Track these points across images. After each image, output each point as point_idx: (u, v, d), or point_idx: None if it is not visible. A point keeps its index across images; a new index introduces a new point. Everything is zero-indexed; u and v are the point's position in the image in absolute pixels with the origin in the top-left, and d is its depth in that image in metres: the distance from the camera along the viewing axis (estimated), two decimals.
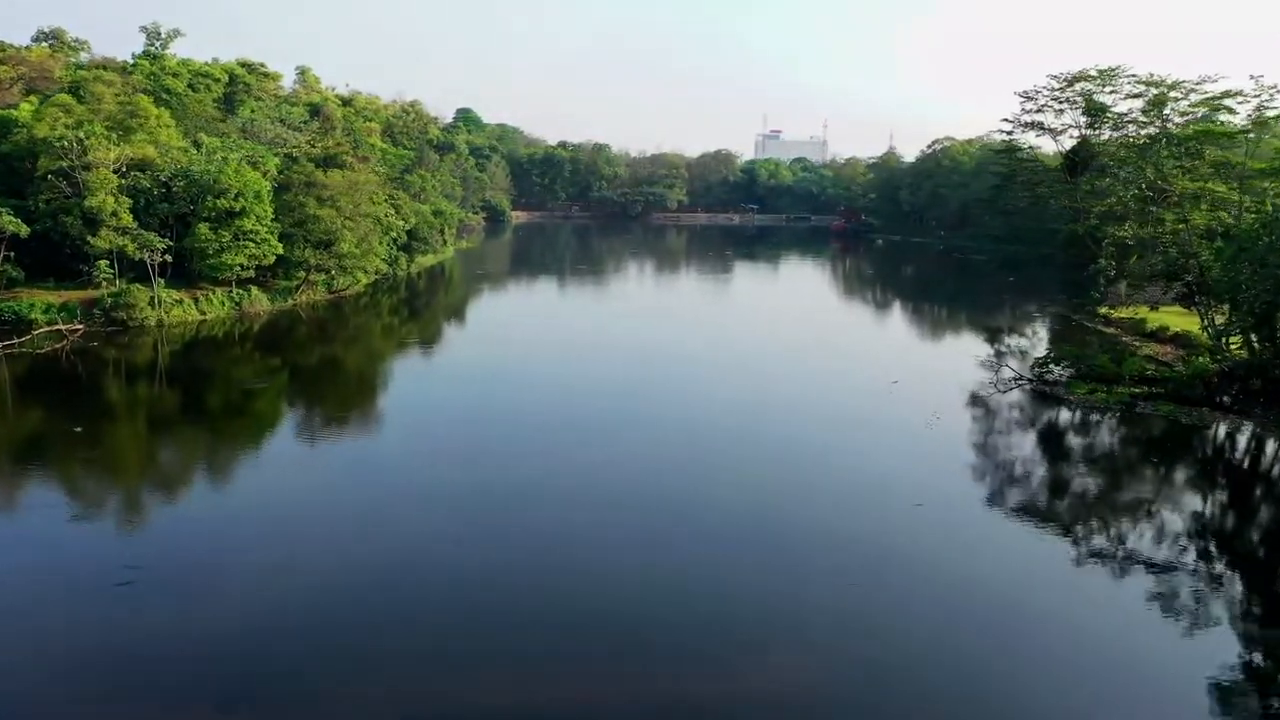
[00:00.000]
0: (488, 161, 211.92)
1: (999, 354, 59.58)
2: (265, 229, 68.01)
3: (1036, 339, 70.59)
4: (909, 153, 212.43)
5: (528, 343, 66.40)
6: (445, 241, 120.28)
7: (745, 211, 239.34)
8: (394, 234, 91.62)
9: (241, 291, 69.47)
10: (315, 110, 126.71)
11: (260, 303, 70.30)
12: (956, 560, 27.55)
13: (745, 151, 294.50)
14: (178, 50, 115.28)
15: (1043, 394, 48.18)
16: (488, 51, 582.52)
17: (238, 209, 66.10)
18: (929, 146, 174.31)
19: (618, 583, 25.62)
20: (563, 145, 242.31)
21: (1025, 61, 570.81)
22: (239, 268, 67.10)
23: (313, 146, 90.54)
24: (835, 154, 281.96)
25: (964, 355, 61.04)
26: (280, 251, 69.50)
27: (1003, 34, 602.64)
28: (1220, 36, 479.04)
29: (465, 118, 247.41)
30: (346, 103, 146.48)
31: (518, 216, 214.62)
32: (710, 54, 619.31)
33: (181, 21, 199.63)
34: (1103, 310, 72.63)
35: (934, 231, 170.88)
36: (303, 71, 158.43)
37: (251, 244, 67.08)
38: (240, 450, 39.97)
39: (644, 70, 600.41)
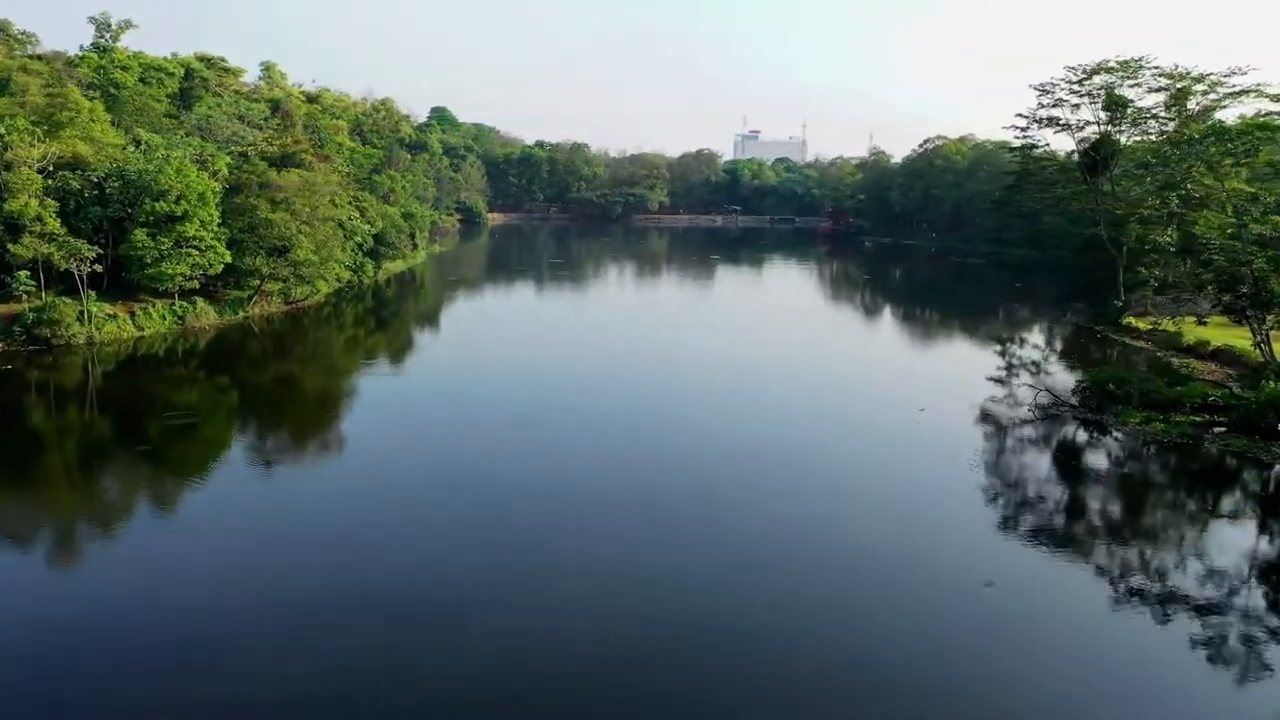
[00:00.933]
0: (463, 161, 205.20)
1: (1027, 373, 53.77)
2: (211, 235, 61.29)
3: (1062, 354, 64.75)
4: (891, 153, 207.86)
5: (503, 359, 60.36)
6: (416, 246, 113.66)
7: (728, 213, 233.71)
8: (358, 239, 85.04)
9: (185, 304, 62.67)
10: (278, 106, 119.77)
11: (206, 316, 63.54)
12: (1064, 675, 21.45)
13: (724, 152, 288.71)
14: (137, 44, 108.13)
15: (1088, 422, 42.37)
16: (464, 50, 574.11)
17: (179, 213, 59.37)
18: (921, 146, 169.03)
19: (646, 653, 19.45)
20: (540, 145, 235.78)
21: (1009, 62, 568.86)
22: (181, 278, 60.32)
23: (270, 144, 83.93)
24: (818, 154, 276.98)
25: (987, 373, 55.19)
26: (228, 260, 62.78)
27: (987, 34, 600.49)
28: (1217, 37, 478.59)
29: (440, 117, 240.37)
30: (313, 100, 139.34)
31: (494, 218, 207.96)
32: (690, 52, 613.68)
33: (148, 16, 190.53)
34: (1128, 321, 67.04)
35: (925, 234, 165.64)
36: (268, 67, 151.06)
37: (195, 251, 60.35)
38: (172, 489, 33.88)
39: (623, 70, 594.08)
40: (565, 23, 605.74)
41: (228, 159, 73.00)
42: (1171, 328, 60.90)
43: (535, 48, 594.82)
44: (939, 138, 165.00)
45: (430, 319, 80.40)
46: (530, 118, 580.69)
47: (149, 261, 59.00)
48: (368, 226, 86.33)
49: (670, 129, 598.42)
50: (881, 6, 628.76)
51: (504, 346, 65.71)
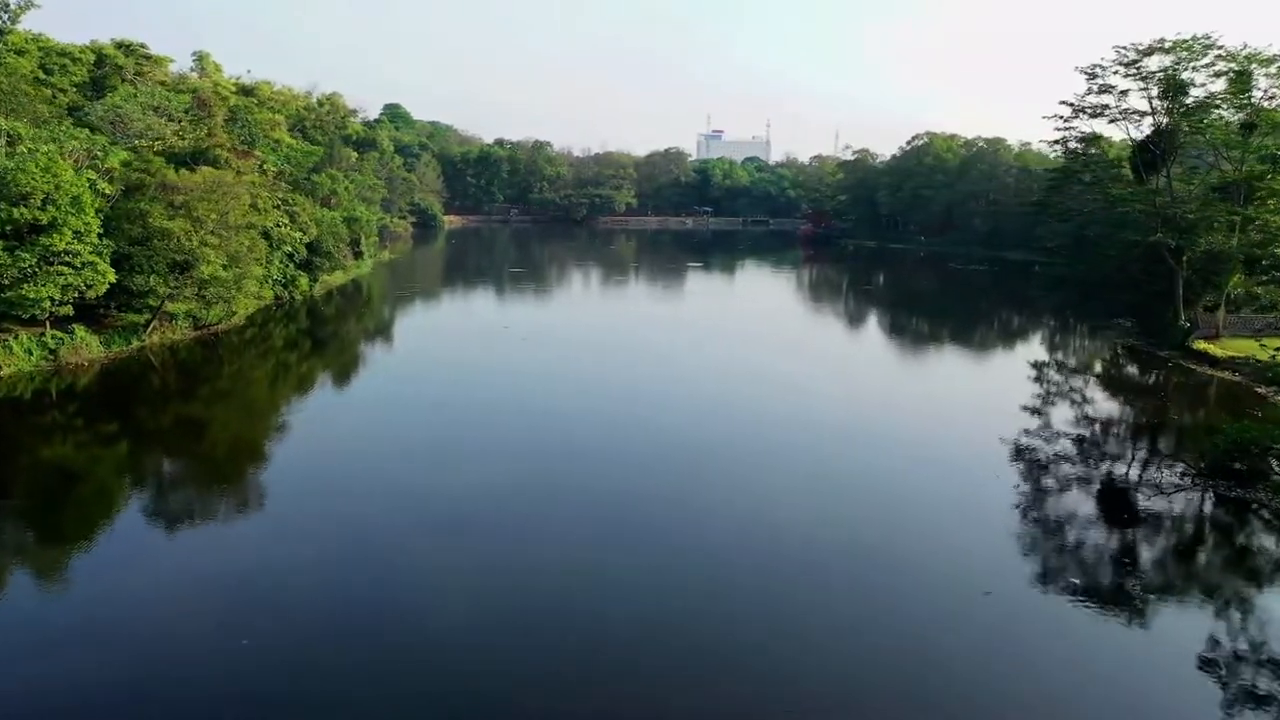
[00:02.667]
0: (416, 161, 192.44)
1: (1093, 418, 43.16)
2: (89, 249, 48.98)
3: (1131, 390, 53.99)
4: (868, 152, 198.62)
5: (457, 387, 49.92)
6: (362, 254, 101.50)
7: (699, 215, 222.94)
8: (288, 248, 72.89)
9: (60, 334, 50.26)
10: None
11: (89, 348, 51.08)
12: None
13: (689, 153, 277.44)
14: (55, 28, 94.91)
15: (1231, 500, 31.83)
16: (419, 47, 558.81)
17: (45, 221, 47.06)
18: (908, 143, 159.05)
19: None
20: (499, 143, 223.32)
21: (986, 61, 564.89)
22: (50, 302, 48.01)
23: (181, 138, 71.57)
24: (788, 152, 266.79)
25: (1062, 422, 44.52)
26: (113, 279, 50.45)
27: (961, 34, 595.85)
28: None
29: (393, 113, 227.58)
30: (248, 92, 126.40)
31: (451, 221, 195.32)
32: (654, 48, 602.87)
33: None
34: (1200, 345, 56.78)
35: (913, 237, 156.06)
36: (200, 57, 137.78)
37: (68, 269, 48.02)
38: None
39: (586, 70, 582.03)
40: (525, 20, 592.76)
41: (125, 154, 60.50)
42: (1263, 355, 50.64)
43: (494, 46, 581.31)
44: (928, 134, 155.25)
45: (373, 340, 68.53)
46: (489, 118, 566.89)
47: (8, 282, 46.68)
48: (299, 234, 74.15)
49: (634, 129, 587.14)
50: (847, 5, 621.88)
51: (455, 373, 54.58)
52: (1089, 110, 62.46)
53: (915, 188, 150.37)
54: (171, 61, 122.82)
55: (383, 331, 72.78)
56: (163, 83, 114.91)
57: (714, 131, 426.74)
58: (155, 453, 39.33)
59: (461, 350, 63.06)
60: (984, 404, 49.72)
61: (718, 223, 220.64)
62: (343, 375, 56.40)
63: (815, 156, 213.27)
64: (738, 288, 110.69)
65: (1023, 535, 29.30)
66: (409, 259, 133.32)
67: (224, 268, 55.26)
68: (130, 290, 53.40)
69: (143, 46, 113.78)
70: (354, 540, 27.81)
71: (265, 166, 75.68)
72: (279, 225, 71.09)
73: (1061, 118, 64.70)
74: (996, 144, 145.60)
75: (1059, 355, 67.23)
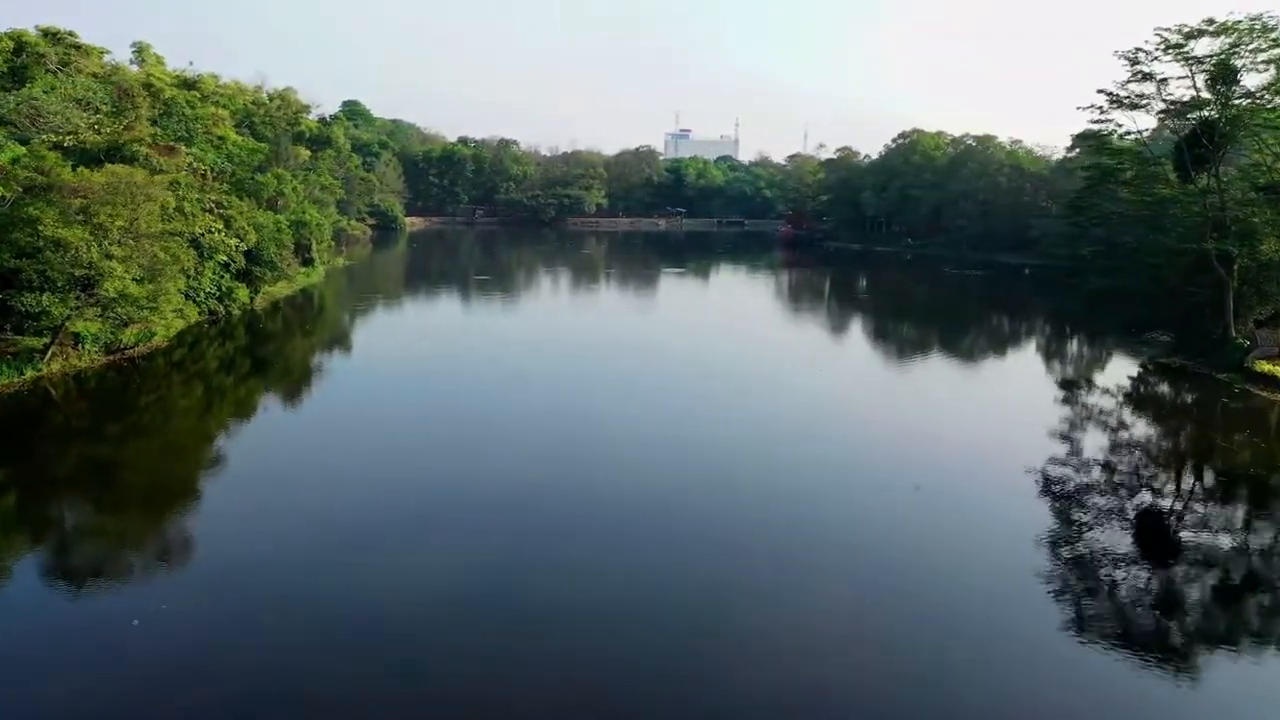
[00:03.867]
0: (376, 160, 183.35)
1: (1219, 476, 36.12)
2: None
3: (1195, 423, 46.88)
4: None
5: (412, 414, 42.71)
6: (313, 260, 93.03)
7: (672, 216, 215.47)
8: (222, 257, 64.52)
9: None
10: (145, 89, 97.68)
11: None
12: None
13: (660, 151, 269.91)
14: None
15: None
16: (381, 44, 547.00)
17: None
18: (895, 140, 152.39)
19: None
20: (464, 141, 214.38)
21: (966, 58, 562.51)
22: None
23: (97, 133, 62.91)
24: (760, 151, 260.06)
25: (1119, 455, 37.52)
26: None
27: (939, 30, 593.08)
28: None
29: (352, 110, 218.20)
30: (190, 85, 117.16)
31: (413, 223, 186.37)
32: (619, 43, 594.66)
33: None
34: (1261, 366, 50.00)
35: (899, 239, 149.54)
36: (140, 49, 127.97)
37: None
38: None
39: (550, 66, 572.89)
40: (488, 17, 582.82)
41: (21, 151, 51.87)
42: None
43: (457, 43, 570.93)
44: (915, 130, 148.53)
45: (320, 360, 60.31)
46: (453, 117, 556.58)
47: None
48: (235, 241, 65.72)
49: (601, 127, 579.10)
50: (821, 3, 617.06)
51: (410, 399, 46.84)
52: (1128, 101, 55.51)
53: (902, 187, 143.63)
54: (107, 52, 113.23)
55: (331, 349, 64.53)
56: (95, 75, 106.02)
57: (681, 131, 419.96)
58: (52, 504, 31.36)
59: (418, 373, 54.96)
60: (1007, 431, 42.70)
61: (691, 224, 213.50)
62: (284, 401, 48.49)
63: (792, 155, 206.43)
64: (718, 296, 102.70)
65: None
66: (367, 264, 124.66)
67: (137, 282, 46.80)
68: (22, 311, 45.00)
69: (71, 35, 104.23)
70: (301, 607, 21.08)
71: (197, 165, 67.22)
72: (211, 231, 62.76)
73: (1099, 108, 57.61)
74: (987, 142, 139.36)
75: (1090, 374, 60.22)
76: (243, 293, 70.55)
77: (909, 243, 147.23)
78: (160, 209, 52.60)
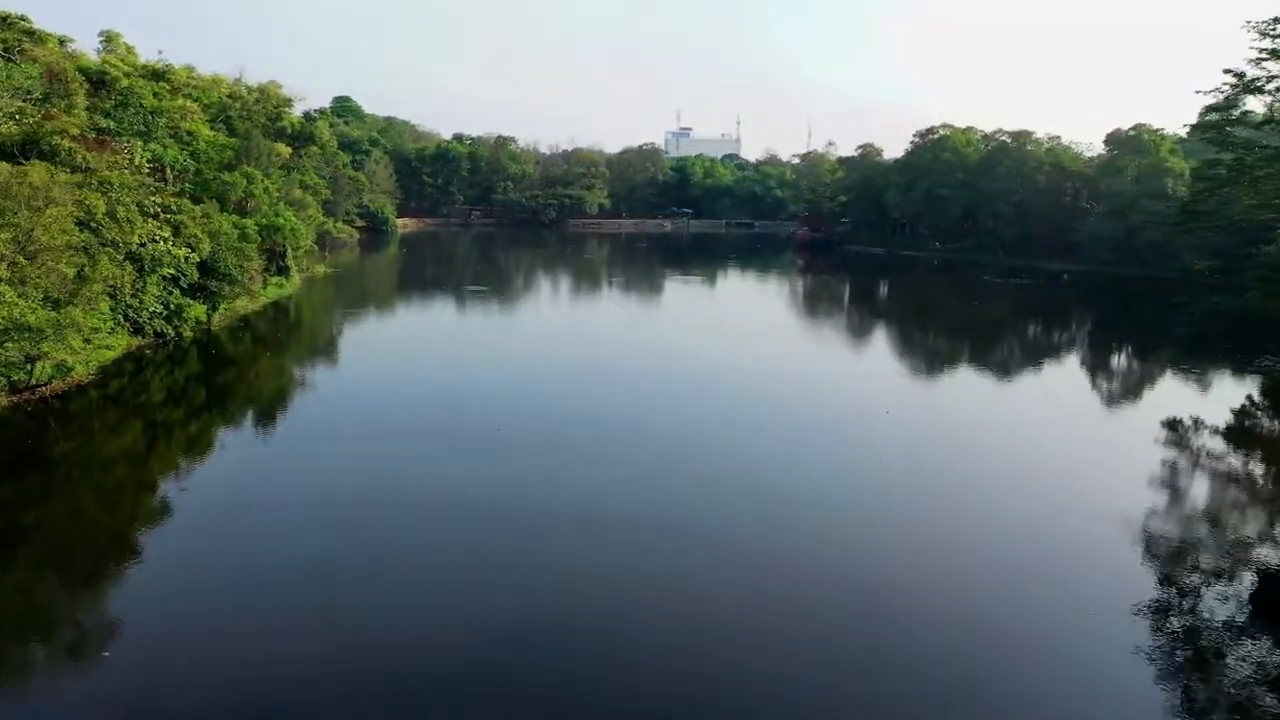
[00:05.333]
0: (366, 158, 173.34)
1: None
2: None
3: None
4: (840, 150, 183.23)
5: (386, 465, 33.75)
6: (289, 268, 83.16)
7: (677, 217, 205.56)
8: (168, 270, 54.75)
9: None
10: (100, 80, 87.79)
11: None
12: None
13: (664, 149, 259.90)
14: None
15: None
16: (374, 39, 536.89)
17: None
18: (921, 136, 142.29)
19: None
20: (459, 139, 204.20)
21: (974, 53, 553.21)
22: None
23: (18, 122, 53.13)
24: (767, 148, 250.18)
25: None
26: None
27: (955, 23, 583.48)
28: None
29: (343, 107, 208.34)
30: (159, 75, 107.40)
31: (405, 224, 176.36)
32: (620, 39, 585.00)
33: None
34: None
35: (926, 242, 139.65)
36: (109, 38, 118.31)
37: None
38: None
39: (549, 62, 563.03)
40: (485, 10, 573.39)
41: None
42: None
43: (453, 37, 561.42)
44: (944, 126, 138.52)
45: (282, 392, 50.70)
46: (448, 114, 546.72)
47: None
48: (185, 252, 55.92)
49: (601, 125, 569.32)
50: None
51: (387, 445, 37.05)
52: (1255, 87, 45.63)
53: (930, 187, 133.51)
54: (71, 41, 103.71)
55: (297, 378, 54.79)
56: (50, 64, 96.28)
57: (682, 129, 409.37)
58: None
59: (397, 408, 45.09)
60: (1104, 476, 33.79)
61: (698, 225, 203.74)
62: (238, 445, 38.98)
63: (806, 153, 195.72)
64: (740, 311, 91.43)
65: None
66: (353, 271, 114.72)
67: (30, 311, 36.92)
68: None
69: (22, 19, 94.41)
70: None
71: (140, 162, 57.47)
72: (154, 240, 53.02)
73: (1222, 91, 47.63)
74: (1023, 138, 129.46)
75: (1197, 406, 50.26)
76: (198, 310, 60.88)
77: (936, 246, 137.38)
78: (81, 214, 42.99)
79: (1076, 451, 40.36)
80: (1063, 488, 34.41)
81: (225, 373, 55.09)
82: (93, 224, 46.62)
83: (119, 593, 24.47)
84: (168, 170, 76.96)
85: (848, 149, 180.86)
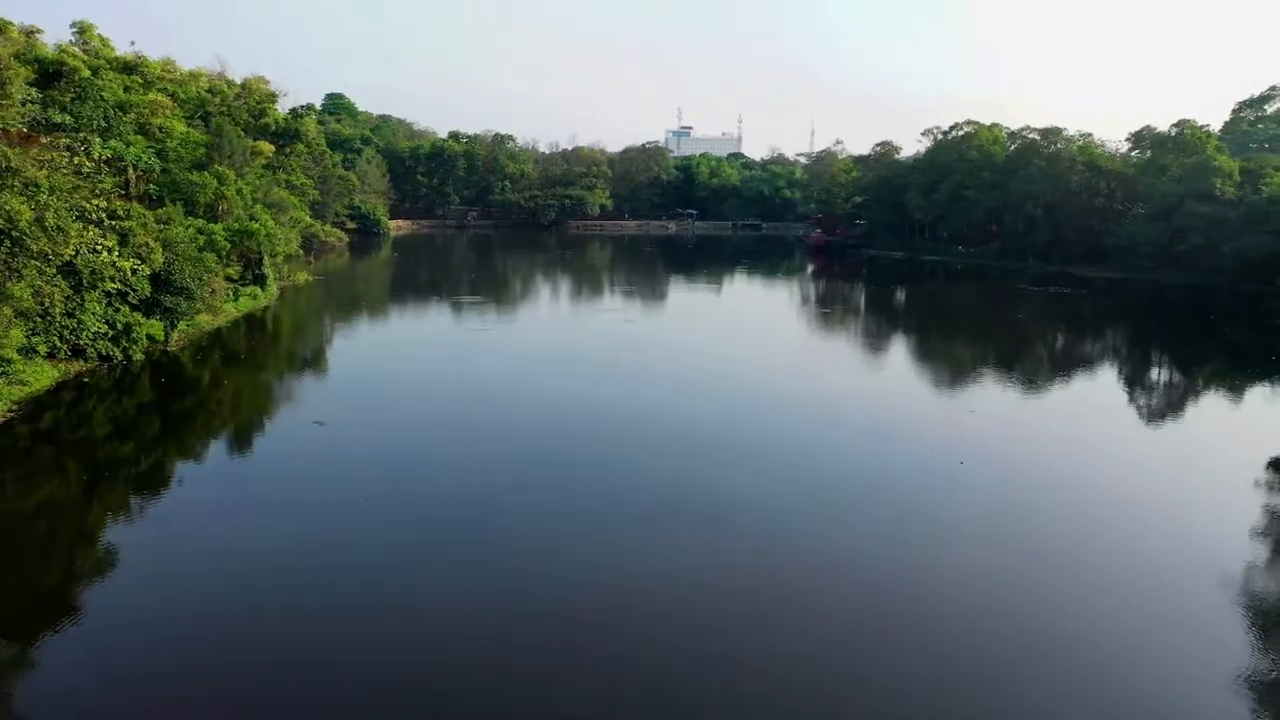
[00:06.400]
0: (358, 157, 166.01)
1: None
2: None
3: None
4: (849, 149, 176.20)
5: (355, 517, 26.92)
6: (266, 276, 75.91)
7: (683, 218, 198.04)
8: (112, 284, 47.45)
9: None
10: (57, 72, 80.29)
11: None
12: None
13: (669, 148, 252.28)
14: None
15: None
16: (368, 35, 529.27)
17: None
18: (945, 133, 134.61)
19: None
20: (455, 136, 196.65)
21: (969, 53, 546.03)
22: None
23: None
24: (773, 146, 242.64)
25: None
26: None
27: (954, 16, 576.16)
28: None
29: (335, 104, 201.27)
30: (130, 68, 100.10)
31: (398, 226, 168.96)
32: (619, 35, 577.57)
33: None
34: None
35: (948, 246, 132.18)
36: (82, 29, 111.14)
37: None
38: None
39: (548, 59, 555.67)
40: (481, 9, 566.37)
41: None
42: None
43: (449, 33, 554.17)
44: (969, 122, 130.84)
45: (248, 427, 43.45)
46: (444, 113, 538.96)
47: None
48: (132, 263, 48.61)
49: (600, 124, 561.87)
50: None
51: (345, 514, 29.59)
52: None
53: (955, 187, 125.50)
54: (37, 31, 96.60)
55: (258, 408, 47.49)
56: (16, 56, 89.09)
57: (683, 128, 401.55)
58: None
59: (371, 464, 37.70)
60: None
61: (703, 227, 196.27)
62: (189, 493, 32.00)
63: (822, 151, 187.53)
64: (763, 326, 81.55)
65: None
66: (340, 277, 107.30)
67: None
68: None
69: None
70: None
71: (83, 162, 50.07)
72: (94, 250, 45.72)
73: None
74: (1053, 135, 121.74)
75: None
76: (154, 328, 53.66)
77: (960, 250, 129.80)
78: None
79: (1189, 504, 33.20)
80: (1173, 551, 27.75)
81: (179, 401, 47.69)
82: (14, 233, 39.40)
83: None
84: (130, 170, 69.90)
85: (853, 148, 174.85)
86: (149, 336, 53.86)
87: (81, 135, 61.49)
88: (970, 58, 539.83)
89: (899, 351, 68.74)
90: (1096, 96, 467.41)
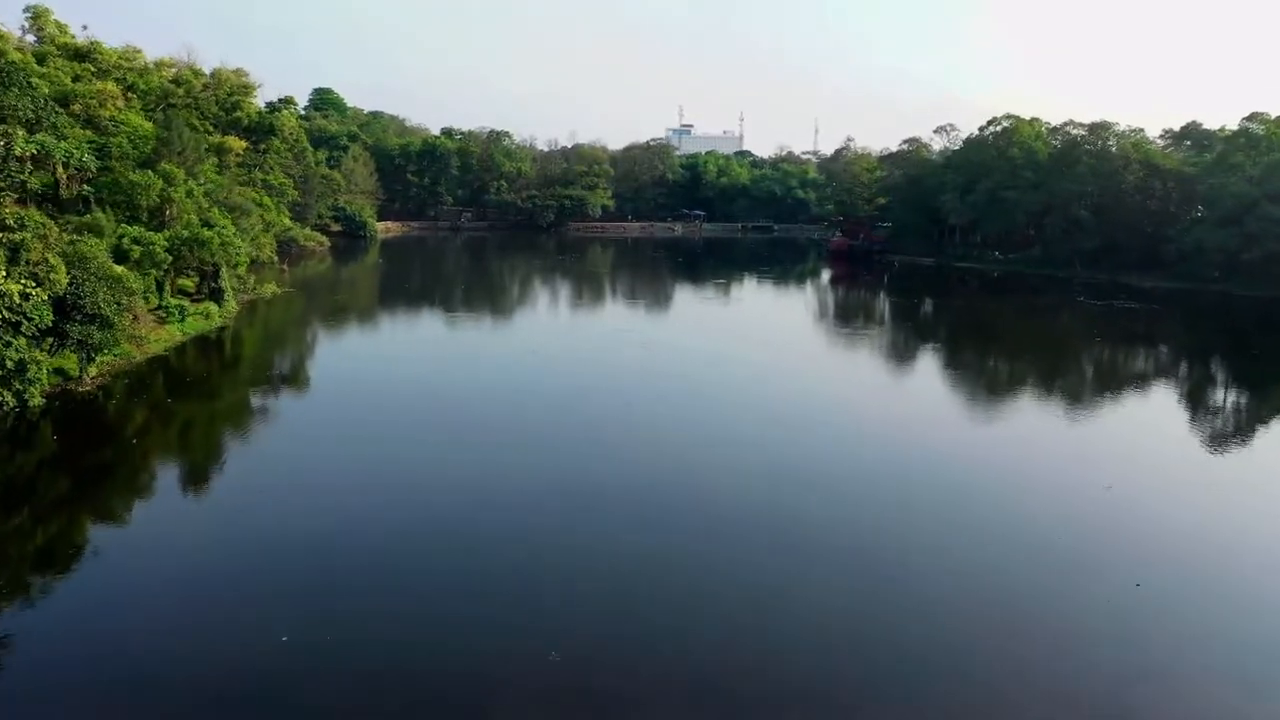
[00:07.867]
0: (344, 154, 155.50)
1: None
2: None
3: None
4: (858, 147, 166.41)
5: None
6: (223, 291, 65.61)
7: (690, 220, 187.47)
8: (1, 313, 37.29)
9: None
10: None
11: None
12: None
13: (674, 145, 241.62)
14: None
15: None
16: (361, 31, 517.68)
17: None
18: (982, 129, 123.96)
19: None
20: (447, 133, 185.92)
21: (977, 49, 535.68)
22: None
23: None
24: (781, 145, 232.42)
25: None
26: None
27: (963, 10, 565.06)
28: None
29: (323, 99, 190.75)
30: (81, 56, 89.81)
31: (387, 229, 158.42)
32: (619, 32, 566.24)
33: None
34: None
35: (983, 252, 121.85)
36: (36, 14, 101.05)
37: None
38: None
39: (547, 58, 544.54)
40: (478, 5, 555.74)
41: None
42: None
43: (443, 27, 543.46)
44: (1007, 117, 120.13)
45: (171, 490, 33.47)
46: (437, 110, 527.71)
47: None
48: (24, 286, 38.33)
49: (599, 123, 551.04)
50: None
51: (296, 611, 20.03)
52: None
53: (994, 188, 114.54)
54: None
55: (193, 461, 37.28)
56: None
57: (684, 126, 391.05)
58: None
59: (329, 537, 27.49)
60: None
61: (711, 229, 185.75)
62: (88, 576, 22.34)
63: (842, 149, 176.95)
64: (791, 348, 70.05)
65: None
66: (317, 287, 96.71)
67: None
68: None
69: None
70: None
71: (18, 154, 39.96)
72: None
73: None
74: (1101, 131, 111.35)
75: None
76: (68, 362, 43.63)
77: (996, 256, 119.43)
78: None
79: None
80: None
81: (86, 454, 37.87)
82: None
83: None
84: (59, 168, 59.76)
85: (862, 146, 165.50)
86: (60, 372, 43.90)
87: (1, 128, 51.81)
88: (973, 56, 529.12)
89: (990, 390, 55.91)
90: (1099, 97, 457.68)
